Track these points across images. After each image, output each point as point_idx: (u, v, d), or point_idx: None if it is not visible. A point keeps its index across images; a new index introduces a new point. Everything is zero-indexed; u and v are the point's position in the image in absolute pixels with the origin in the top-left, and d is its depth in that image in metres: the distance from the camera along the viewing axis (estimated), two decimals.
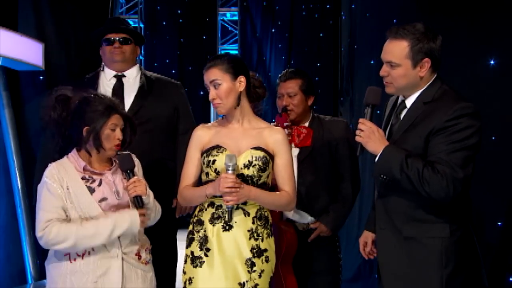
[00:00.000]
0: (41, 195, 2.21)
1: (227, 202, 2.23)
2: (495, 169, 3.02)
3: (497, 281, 2.96)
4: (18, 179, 4.13)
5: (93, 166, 2.27)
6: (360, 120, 2.14)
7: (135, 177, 2.26)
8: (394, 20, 4.01)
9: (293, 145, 2.81)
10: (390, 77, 2.13)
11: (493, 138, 3.01)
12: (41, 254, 4.22)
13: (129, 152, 2.29)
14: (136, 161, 2.37)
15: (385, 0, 4.25)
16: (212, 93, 2.32)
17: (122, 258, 2.21)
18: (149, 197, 2.29)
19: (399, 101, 2.24)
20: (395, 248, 2.14)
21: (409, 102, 2.17)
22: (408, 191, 2.06)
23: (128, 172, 2.26)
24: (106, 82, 2.97)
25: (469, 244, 2.15)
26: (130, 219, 2.20)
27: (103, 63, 3.03)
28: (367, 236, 2.46)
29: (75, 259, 2.18)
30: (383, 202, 2.19)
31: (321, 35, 8.14)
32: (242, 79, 2.34)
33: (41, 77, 4.34)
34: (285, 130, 2.72)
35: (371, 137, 2.09)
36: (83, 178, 2.22)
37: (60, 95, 2.27)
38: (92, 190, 2.21)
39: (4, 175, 4.13)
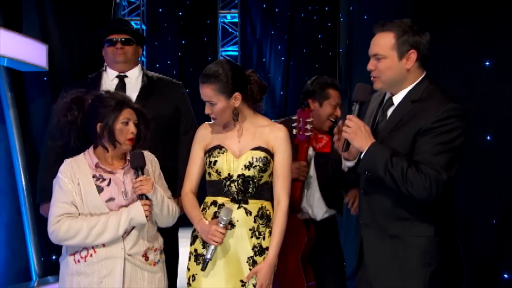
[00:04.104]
0: (54, 190, 2.22)
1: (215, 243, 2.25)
2: (490, 168, 3.01)
3: (492, 278, 2.96)
4: (23, 177, 4.12)
5: (107, 164, 2.25)
6: (348, 116, 2.10)
7: (143, 176, 2.22)
8: None
9: (311, 148, 2.81)
10: (377, 71, 2.10)
11: (488, 138, 3.01)
12: (45, 251, 4.22)
13: (142, 150, 2.26)
14: (155, 160, 2.36)
15: (382, 2, 4.24)
16: (208, 109, 2.32)
17: (125, 259, 2.19)
18: (155, 194, 2.23)
19: (386, 97, 2.20)
20: (379, 246, 2.12)
21: (396, 99, 2.14)
22: (393, 190, 2.04)
23: (138, 170, 2.22)
24: (108, 83, 2.96)
25: (452, 243, 2.14)
26: (133, 211, 2.18)
27: (105, 64, 3.02)
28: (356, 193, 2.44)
29: (78, 261, 2.19)
30: (368, 199, 2.17)
31: (319, 36, 8.14)
32: (237, 96, 2.30)
33: (45, 78, 4.33)
34: (307, 125, 2.69)
35: (358, 134, 2.06)
36: (94, 176, 2.21)
37: (76, 96, 2.27)
38: (100, 190, 2.20)
39: (9, 174, 4.13)
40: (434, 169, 1.97)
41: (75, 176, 2.19)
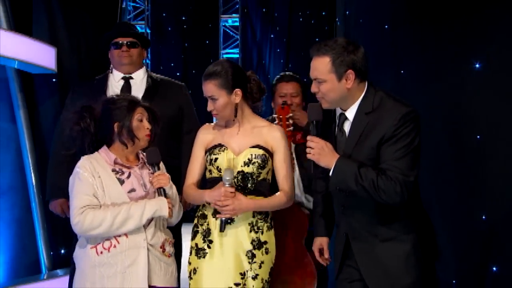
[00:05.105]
0: (73, 184, 2.21)
1: (224, 215, 2.25)
2: (480, 166, 3.02)
3: (482, 271, 2.97)
4: (33, 175, 4.13)
5: (124, 160, 2.28)
6: (309, 137, 2.10)
7: (160, 170, 2.29)
8: (386, 26, 4.01)
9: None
10: (321, 93, 2.11)
11: (478, 137, 3.01)
12: (54, 245, 4.23)
13: (156, 147, 2.31)
14: (161, 162, 2.39)
15: (377, 7, 4.24)
16: (210, 106, 2.34)
17: (148, 249, 2.21)
18: (172, 189, 2.31)
19: (338, 113, 2.19)
20: (374, 253, 2.12)
21: (349, 114, 2.13)
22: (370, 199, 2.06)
23: (154, 165, 2.28)
24: (114, 84, 2.97)
25: (427, 224, 2.18)
26: (158, 203, 2.22)
27: (111, 66, 3.03)
28: (322, 243, 2.37)
29: (101, 252, 2.18)
30: (350, 213, 2.16)
31: (317, 39, 8.13)
32: (238, 92, 2.32)
33: (53, 79, 4.33)
34: (289, 121, 2.77)
35: (322, 153, 2.06)
36: (113, 170, 2.24)
37: (85, 105, 2.30)
38: (121, 182, 2.23)
39: (19, 172, 4.14)
40: (401, 173, 2.00)
41: (95, 170, 2.20)
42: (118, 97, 2.34)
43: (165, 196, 2.26)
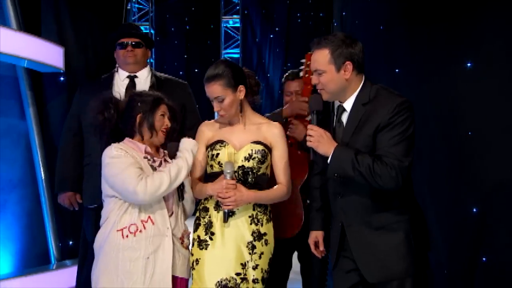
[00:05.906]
0: (113, 165, 2.16)
1: (226, 206, 2.26)
2: (471, 161, 3.02)
3: (472, 261, 2.98)
4: (42, 170, 4.14)
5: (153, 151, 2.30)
6: (309, 126, 2.13)
7: None
8: (381, 27, 4.01)
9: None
10: (321, 84, 2.13)
11: (469, 133, 3.01)
12: (62, 237, 4.24)
13: (177, 143, 2.32)
14: None
15: (372, 9, 4.24)
16: (217, 107, 2.33)
17: (172, 238, 2.22)
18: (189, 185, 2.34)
19: (336, 105, 2.21)
20: (367, 240, 2.12)
21: (347, 105, 2.15)
22: (367, 187, 2.07)
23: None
24: (120, 82, 2.97)
25: (419, 216, 2.20)
26: (185, 146, 2.28)
27: (117, 65, 3.03)
28: (317, 236, 2.37)
29: (127, 236, 2.16)
30: (345, 201, 2.17)
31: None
32: (241, 88, 2.33)
33: (61, 78, 4.34)
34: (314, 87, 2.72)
35: (321, 141, 2.09)
36: (144, 158, 2.24)
37: (112, 97, 2.32)
38: (154, 169, 2.23)
39: (29, 167, 4.15)
40: (396, 159, 2.01)
41: (130, 153, 2.20)
42: (146, 92, 2.36)
43: (183, 189, 2.30)
